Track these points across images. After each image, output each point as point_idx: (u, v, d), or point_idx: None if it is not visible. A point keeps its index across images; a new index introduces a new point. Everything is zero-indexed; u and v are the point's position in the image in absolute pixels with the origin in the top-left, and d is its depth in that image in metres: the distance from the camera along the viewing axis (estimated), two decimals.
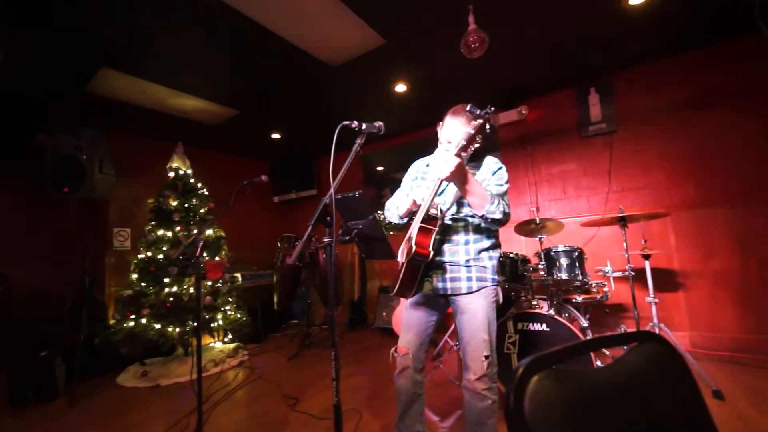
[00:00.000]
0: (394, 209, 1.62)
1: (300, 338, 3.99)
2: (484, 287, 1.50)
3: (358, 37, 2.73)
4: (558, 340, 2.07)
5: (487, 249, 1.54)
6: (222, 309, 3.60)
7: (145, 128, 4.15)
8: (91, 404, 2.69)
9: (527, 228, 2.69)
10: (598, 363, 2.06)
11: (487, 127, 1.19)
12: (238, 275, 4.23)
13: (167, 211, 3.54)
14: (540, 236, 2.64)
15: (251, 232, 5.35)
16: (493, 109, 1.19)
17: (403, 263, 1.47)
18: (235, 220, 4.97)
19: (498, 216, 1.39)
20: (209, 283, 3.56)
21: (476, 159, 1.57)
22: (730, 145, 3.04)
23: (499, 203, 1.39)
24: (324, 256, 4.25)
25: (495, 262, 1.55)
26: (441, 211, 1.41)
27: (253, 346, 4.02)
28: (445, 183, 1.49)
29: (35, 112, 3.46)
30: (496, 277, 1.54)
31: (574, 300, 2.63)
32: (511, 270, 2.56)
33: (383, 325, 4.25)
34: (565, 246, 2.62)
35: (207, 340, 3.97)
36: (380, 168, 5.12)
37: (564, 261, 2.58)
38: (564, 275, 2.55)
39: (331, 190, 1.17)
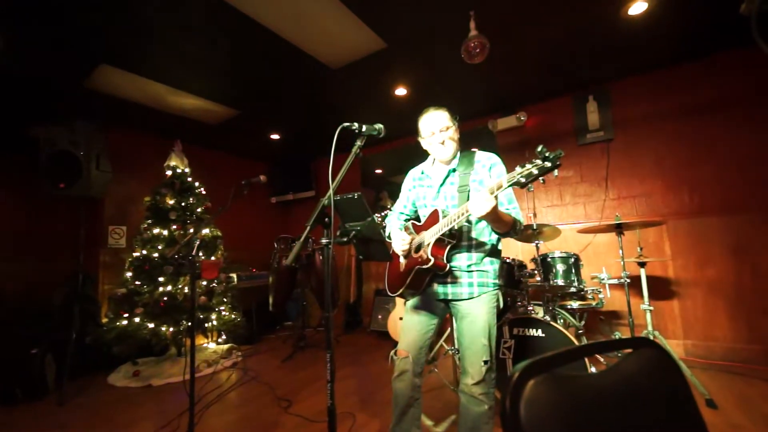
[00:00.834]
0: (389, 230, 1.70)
1: (294, 340, 3.97)
2: (485, 293, 1.50)
3: (360, 40, 2.74)
4: (553, 345, 2.07)
5: (489, 254, 1.54)
6: (216, 309, 3.57)
7: (143, 125, 4.13)
8: (80, 403, 2.66)
9: (524, 233, 2.70)
10: (593, 370, 2.06)
11: (555, 173, 1.10)
12: (234, 275, 4.20)
13: (164, 210, 3.52)
14: (537, 242, 2.65)
15: (248, 232, 5.33)
16: (563, 154, 1.07)
17: (406, 266, 1.48)
18: (231, 220, 4.95)
19: (518, 235, 1.48)
20: (204, 282, 3.54)
21: (465, 155, 1.57)
22: (725, 155, 3.07)
23: (520, 227, 1.46)
24: (321, 257, 4.24)
25: (496, 266, 1.55)
26: (456, 228, 1.41)
27: (247, 347, 3.99)
28: (449, 192, 1.56)
29: (32, 104, 3.44)
30: (497, 281, 1.54)
31: (569, 306, 2.64)
32: (507, 275, 2.56)
33: (378, 328, 4.23)
34: (561, 252, 2.63)
35: (201, 340, 3.94)
36: (379, 171, 5.13)
37: (560, 267, 2.59)
38: (560, 281, 2.56)
39: (330, 191, 1.17)
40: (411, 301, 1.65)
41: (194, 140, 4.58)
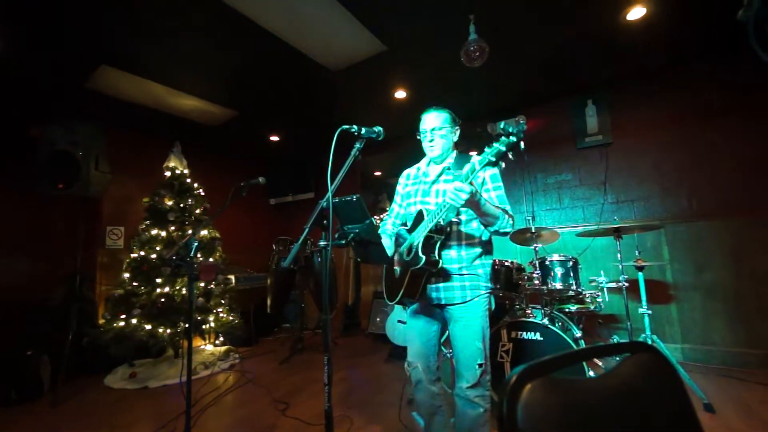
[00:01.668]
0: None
1: (292, 342, 3.96)
2: (477, 296, 1.50)
3: (360, 42, 2.75)
4: (551, 349, 2.07)
5: (479, 256, 1.54)
6: (214, 311, 3.56)
7: (142, 126, 4.13)
8: (75, 405, 2.64)
9: (523, 237, 2.70)
10: (591, 374, 2.06)
11: (522, 146, 1.10)
12: (232, 277, 4.19)
13: (162, 211, 3.51)
14: (535, 245, 2.65)
15: (246, 234, 5.32)
16: (525, 128, 1.09)
17: (401, 271, 1.48)
18: (230, 221, 4.95)
19: (508, 230, 1.44)
20: (202, 284, 3.53)
21: (462, 157, 1.58)
22: (723, 159, 3.08)
23: (508, 218, 1.43)
24: (319, 259, 4.24)
25: (488, 269, 1.56)
26: (446, 221, 1.43)
27: (245, 350, 3.97)
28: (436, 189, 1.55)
29: (31, 104, 3.44)
30: (489, 284, 1.54)
31: (567, 310, 2.63)
32: (505, 278, 2.56)
33: (376, 331, 4.22)
34: (560, 255, 2.63)
35: (198, 342, 3.92)
36: (377, 173, 5.13)
37: (558, 270, 2.59)
38: (558, 285, 2.56)
39: (329, 194, 1.17)
40: (410, 308, 1.65)
41: (193, 141, 4.58)
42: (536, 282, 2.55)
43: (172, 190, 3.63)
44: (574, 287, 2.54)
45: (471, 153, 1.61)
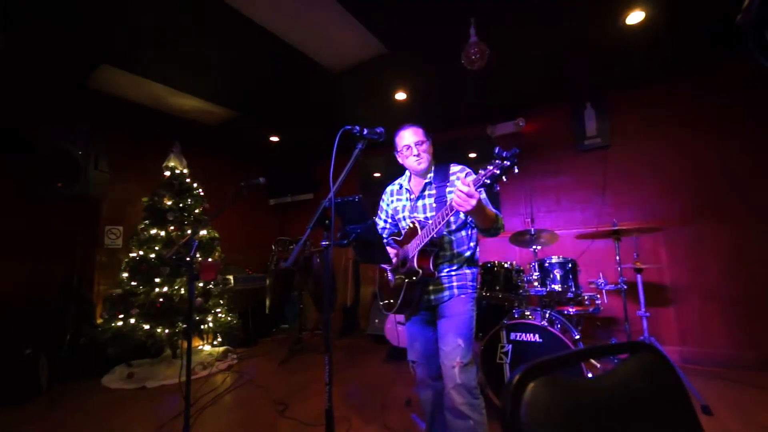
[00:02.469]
0: None
1: (291, 343, 3.95)
2: (464, 294, 1.53)
3: (361, 44, 2.76)
4: (550, 351, 2.08)
5: (467, 260, 1.58)
6: (213, 311, 3.55)
7: (142, 126, 4.13)
8: (73, 405, 2.63)
9: (522, 238, 2.71)
10: (589, 375, 2.06)
11: (516, 170, 1.13)
12: (231, 277, 4.18)
13: (161, 210, 3.50)
14: (534, 247, 2.66)
15: (245, 234, 5.31)
16: (518, 151, 1.13)
17: (396, 282, 1.50)
18: (229, 221, 4.94)
19: (501, 230, 1.47)
20: (201, 284, 3.52)
21: (440, 168, 1.61)
22: (721, 163, 3.10)
23: (501, 220, 1.47)
24: (318, 260, 4.24)
25: (475, 270, 1.60)
26: (439, 234, 1.44)
27: (243, 350, 3.96)
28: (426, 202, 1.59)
29: (30, 103, 3.43)
30: (475, 284, 1.58)
31: (566, 312, 2.64)
32: (505, 280, 2.57)
33: (375, 332, 4.22)
34: (559, 257, 2.64)
35: (196, 342, 3.91)
36: (377, 174, 5.14)
37: (558, 272, 2.60)
38: (557, 287, 2.57)
39: (331, 193, 1.17)
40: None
41: (193, 141, 4.57)
42: (535, 284, 2.56)
43: (171, 189, 3.63)
44: (572, 289, 2.55)
45: (448, 163, 1.64)
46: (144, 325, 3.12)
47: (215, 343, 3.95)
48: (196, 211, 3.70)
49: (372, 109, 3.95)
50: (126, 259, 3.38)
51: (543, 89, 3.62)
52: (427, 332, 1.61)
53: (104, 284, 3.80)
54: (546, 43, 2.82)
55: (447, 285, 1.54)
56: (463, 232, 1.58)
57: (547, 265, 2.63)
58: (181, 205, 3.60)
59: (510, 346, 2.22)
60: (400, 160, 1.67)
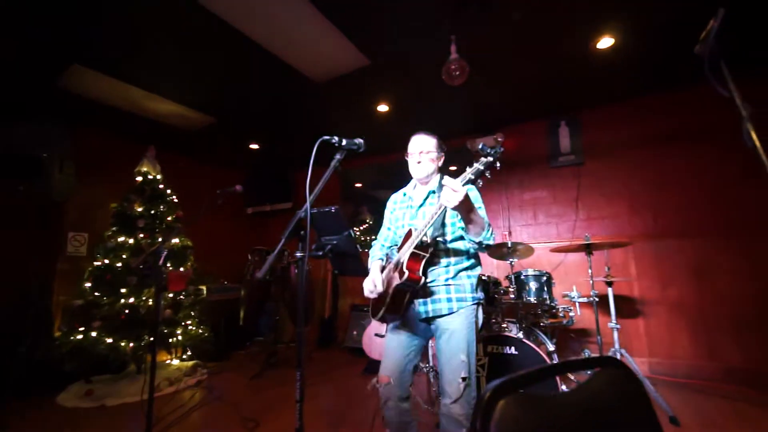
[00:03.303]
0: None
1: (265, 356, 3.82)
2: (463, 307, 1.50)
3: (344, 56, 2.78)
4: (526, 363, 2.09)
5: (466, 269, 1.56)
6: (183, 323, 3.40)
7: (115, 129, 3.98)
8: (24, 425, 2.43)
9: (499, 251, 2.75)
10: (563, 387, 2.09)
11: (498, 165, 1.20)
12: (203, 288, 4.03)
13: (131, 217, 3.36)
14: (511, 260, 2.70)
15: (221, 243, 5.15)
16: (502, 149, 1.20)
17: (387, 289, 1.47)
18: (204, 230, 4.79)
19: (491, 242, 1.46)
20: (171, 294, 3.37)
21: (435, 180, 1.63)
22: (688, 181, 3.27)
23: (492, 230, 1.45)
24: (296, 270, 4.15)
25: (474, 280, 1.57)
26: (431, 237, 1.43)
27: (214, 365, 3.80)
28: (427, 210, 1.54)
29: None
30: (475, 294, 1.55)
31: (541, 324, 2.68)
32: (483, 292, 2.58)
33: (353, 345, 4.15)
34: (534, 270, 2.69)
35: (164, 356, 3.72)
36: (359, 184, 5.13)
37: (533, 285, 2.65)
38: (533, 299, 2.61)
39: (307, 204, 1.15)
40: (392, 323, 1.63)
41: (169, 146, 4.44)
42: (512, 296, 2.59)
43: (143, 195, 3.49)
44: (547, 301, 2.59)
45: (451, 167, 1.65)
46: (107, 339, 2.94)
47: (184, 357, 3.77)
48: (169, 218, 3.57)
49: (354, 121, 3.96)
50: (90, 268, 3.20)
51: (520, 106, 3.74)
52: (409, 342, 1.56)
53: (64, 294, 3.56)
54: (522, 64, 2.93)
55: (445, 297, 1.50)
56: (460, 242, 1.56)
57: (523, 277, 2.68)
58: (152, 211, 3.46)
59: (487, 358, 2.22)
60: (408, 165, 1.68)
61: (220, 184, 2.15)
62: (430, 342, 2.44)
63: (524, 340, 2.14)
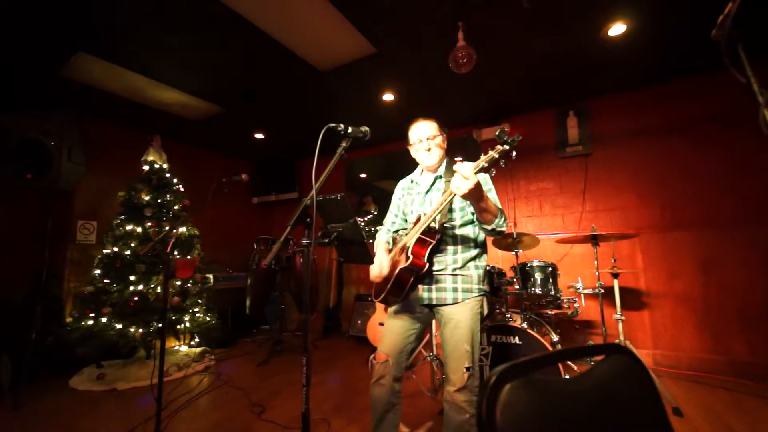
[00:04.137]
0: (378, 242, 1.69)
1: (271, 344, 3.88)
2: (468, 298, 1.50)
3: (350, 44, 2.75)
4: (530, 353, 2.08)
5: (473, 258, 1.55)
6: (190, 311, 3.45)
7: (121, 118, 3.99)
8: (37, 407, 2.50)
9: (504, 242, 2.74)
10: (566, 377, 2.10)
11: (513, 154, 1.19)
12: (210, 276, 4.08)
13: (139, 206, 3.39)
14: (516, 250, 2.69)
15: (227, 232, 5.20)
16: (520, 137, 1.19)
17: (392, 271, 1.47)
18: (210, 219, 4.83)
19: (504, 228, 1.44)
20: (178, 282, 3.42)
21: (451, 163, 1.61)
22: (696, 173, 3.22)
23: (505, 217, 1.44)
24: (301, 260, 4.18)
25: (481, 271, 1.56)
26: (439, 223, 1.43)
27: (221, 351, 3.87)
28: (436, 197, 1.53)
29: (2, 91, 3.26)
30: (482, 286, 1.55)
31: (546, 315, 2.68)
32: (487, 282, 2.58)
33: (357, 334, 4.19)
34: (539, 261, 2.68)
35: (172, 343, 3.79)
36: (363, 175, 5.12)
37: (538, 276, 2.64)
38: (538, 290, 2.60)
39: (313, 191, 1.16)
40: (394, 306, 1.64)
41: (174, 136, 4.45)
42: (516, 287, 2.59)
43: (149, 184, 3.51)
44: (552, 293, 2.59)
45: (456, 158, 1.64)
46: (116, 325, 3.00)
47: (192, 343, 3.84)
48: (176, 207, 3.60)
49: (359, 109, 3.93)
50: (99, 256, 3.25)
51: (527, 95, 3.68)
52: (410, 326, 1.57)
53: (75, 281, 3.63)
54: (532, 52, 2.87)
55: (451, 287, 1.50)
56: (470, 228, 1.55)
57: (528, 268, 2.67)
58: (159, 200, 3.49)
59: (490, 348, 2.23)
60: (412, 153, 1.67)
61: (226, 174, 2.16)
62: (434, 331, 2.46)
63: (528, 331, 2.15)
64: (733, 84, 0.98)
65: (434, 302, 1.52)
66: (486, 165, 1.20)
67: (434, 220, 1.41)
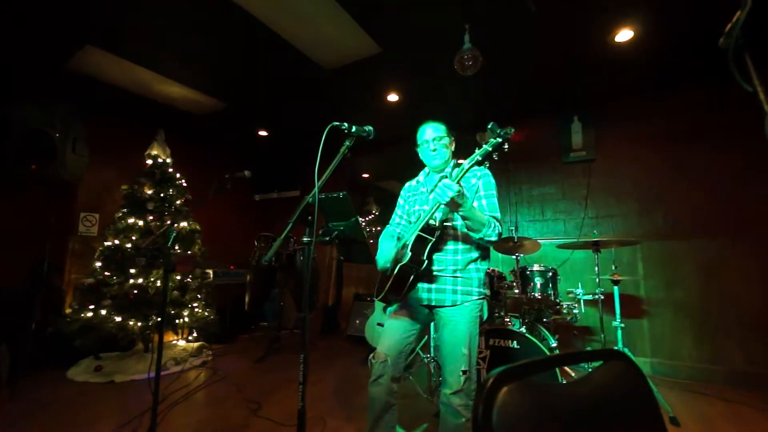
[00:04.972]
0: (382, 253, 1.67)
1: (269, 341, 3.88)
2: (468, 301, 1.50)
3: (355, 43, 2.75)
4: (528, 358, 2.09)
5: (474, 260, 1.54)
6: (189, 305, 3.46)
7: (126, 111, 4.00)
8: (35, 398, 2.51)
9: (505, 246, 2.74)
10: (563, 382, 2.09)
11: (506, 147, 1.21)
12: (210, 271, 4.09)
13: (141, 199, 3.40)
14: (517, 255, 2.69)
15: (228, 228, 5.21)
16: (513, 130, 1.20)
17: (391, 268, 1.47)
18: (212, 215, 4.84)
19: (493, 239, 1.43)
20: (178, 277, 3.43)
21: (458, 165, 1.60)
22: (698, 181, 3.21)
23: (495, 226, 1.42)
24: (301, 258, 4.19)
25: (482, 274, 1.56)
26: (439, 221, 1.43)
27: (219, 347, 3.87)
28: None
29: (8, 83, 3.28)
30: (481, 290, 1.54)
31: (545, 320, 2.68)
32: (488, 287, 2.58)
33: (355, 333, 4.19)
34: (540, 266, 2.67)
35: (171, 337, 3.80)
36: (366, 175, 5.12)
37: (538, 280, 2.63)
38: (537, 294, 2.60)
39: (315, 189, 1.16)
40: (393, 306, 1.64)
41: (178, 131, 4.46)
42: (516, 291, 2.58)
43: (152, 178, 3.52)
44: (552, 298, 2.58)
45: (461, 162, 1.64)
46: (116, 317, 3.01)
47: (190, 338, 3.85)
48: (178, 202, 3.61)
49: (364, 109, 3.94)
50: (100, 248, 3.27)
51: (532, 100, 3.68)
52: (410, 326, 1.57)
53: (76, 273, 3.65)
54: (537, 56, 2.87)
55: (450, 288, 1.50)
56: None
57: (528, 273, 2.66)
58: (162, 194, 3.50)
59: (488, 351, 2.23)
60: (420, 154, 1.68)
61: (229, 170, 2.16)
62: (432, 333, 2.45)
63: (527, 335, 2.14)
64: (739, 92, 0.97)
65: (433, 303, 1.52)
66: (480, 158, 1.23)
67: (434, 218, 1.41)
